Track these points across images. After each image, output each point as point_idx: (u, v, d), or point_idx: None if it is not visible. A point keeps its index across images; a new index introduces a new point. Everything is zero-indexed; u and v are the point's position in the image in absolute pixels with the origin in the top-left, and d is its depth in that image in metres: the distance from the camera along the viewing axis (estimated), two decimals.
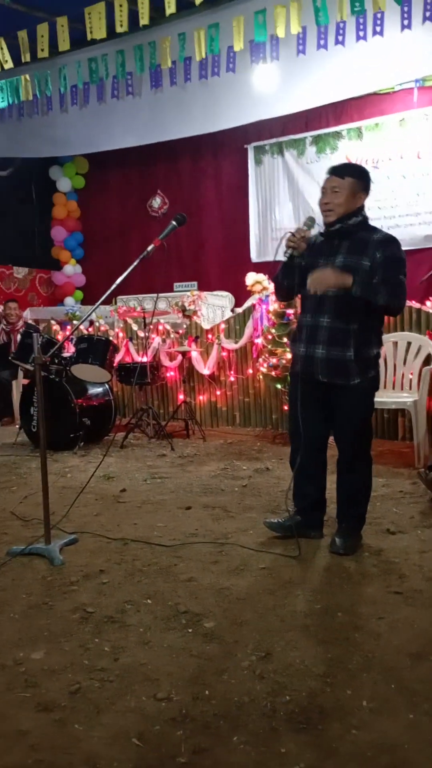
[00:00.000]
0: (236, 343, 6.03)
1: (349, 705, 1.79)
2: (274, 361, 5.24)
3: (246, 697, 1.84)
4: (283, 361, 5.12)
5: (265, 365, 5.35)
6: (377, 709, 1.78)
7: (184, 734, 1.68)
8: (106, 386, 5.64)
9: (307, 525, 3.05)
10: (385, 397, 4.55)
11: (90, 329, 6.71)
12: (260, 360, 5.62)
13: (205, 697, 1.84)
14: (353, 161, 7.16)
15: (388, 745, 1.63)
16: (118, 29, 5.59)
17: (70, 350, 5.73)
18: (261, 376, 5.63)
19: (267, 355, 5.37)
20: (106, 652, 2.10)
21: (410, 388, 4.84)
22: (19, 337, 6.27)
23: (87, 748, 1.64)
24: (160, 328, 6.46)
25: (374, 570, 2.71)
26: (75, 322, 6.89)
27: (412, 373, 4.86)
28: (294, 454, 3.04)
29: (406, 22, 5.17)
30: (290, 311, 5.20)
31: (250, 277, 6.64)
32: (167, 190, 9.18)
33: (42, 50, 6.05)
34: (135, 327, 6.56)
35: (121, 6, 5.57)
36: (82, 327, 6.46)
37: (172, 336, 6.42)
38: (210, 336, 6.19)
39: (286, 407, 3.53)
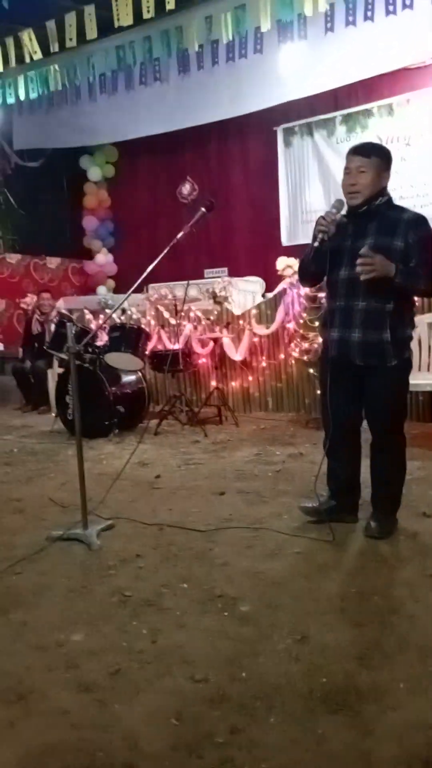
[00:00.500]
0: (268, 328, 6.01)
1: (385, 686, 1.80)
2: (306, 345, 5.21)
3: (282, 678, 1.86)
4: (315, 346, 5.09)
5: (297, 350, 5.33)
6: (413, 689, 1.78)
7: (221, 714, 1.71)
8: (139, 374, 5.69)
9: (341, 509, 3.05)
10: (420, 380, 4.49)
11: (122, 318, 6.76)
12: (292, 345, 5.59)
13: (242, 678, 1.87)
14: (384, 139, 7.00)
15: (424, 724, 1.64)
16: (145, 15, 5.57)
17: (103, 339, 5.79)
18: (293, 361, 5.61)
19: (299, 340, 5.34)
20: (144, 634, 2.14)
21: None
22: (53, 327, 6.35)
23: (127, 726, 1.68)
24: (192, 315, 6.47)
25: (410, 553, 2.70)
26: (108, 311, 6.94)
27: None
28: (327, 438, 3.03)
29: None
30: (322, 295, 5.15)
31: (281, 262, 6.59)
32: (196, 176, 9.14)
33: (70, 39, 6.07)
34: (166, 314, 6.59)
35: None
36: (114, 315, 6.51)
37: (203, 322, 6.43)
38: (241, 322, 6.18)
39: (318, 392, 3.51)
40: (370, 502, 3.02)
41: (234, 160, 8.77)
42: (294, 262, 6.38)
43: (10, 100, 7.28)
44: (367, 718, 1.68)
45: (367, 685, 1.81)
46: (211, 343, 6.21)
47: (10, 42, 6.40)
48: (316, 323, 5.13)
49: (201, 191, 9.00)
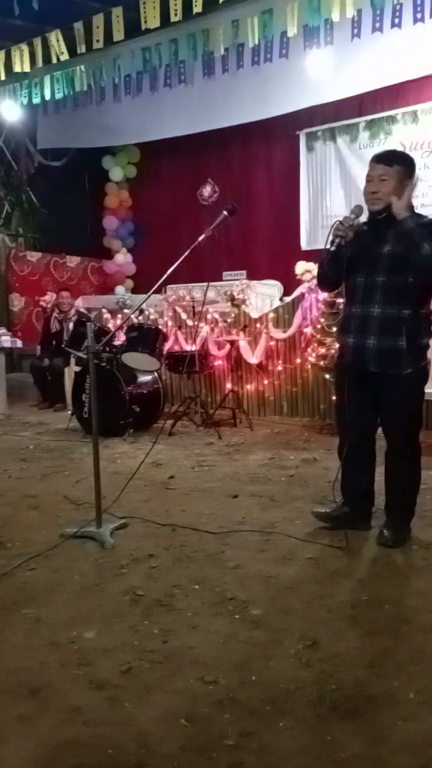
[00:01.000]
0: (285, 332, 6.01)
1: (397, 696, 1.80)
2: (323, 350, 5.21)
3: (292, 684, 1.86)
4: (332, 351, 5.08)
5: (314, 355, 5.32)
6: (427, 701, 1.77)
7: (232, 717, 1.72)
8: (155, 374, 5.71)
9: (355, 516, 3.04)
10: None
11: (140, 318, 6.79)
12: (309, 349, 5.58)
13: (252, 682, 1.88)
14: (408, 146, 6.99)
15: None
16: (173, 18, 5.59)
17: (120, 339, 5.83)
18: (309, 366, 5.60)
19: (316, 345, 5.33)
20: (156, 634, 2.15)
21: None
22: (71, 325, 6.40)
23: (138, 725, 1.70)
24: (209, 317, 6.49)
25: (423, 563, 2.69)
26: (126, 311, 6.98)
27: None
28: (342, 444, 3.03)
29: None
30: (341, 300, 5.14)
31: (300, 266, 6.58)
32: (217, 179, 9.16)
33: (97, 41, 6.11)
34: (184, 316, 6.61)
35: None
36: (132, 315, 6.55)
37: (220, 325, 6.44)
38: (258, 325, 6.18)
39: (334, 397, 3.51)
40: (384, 510, 3.01)
41: (256, 163, 8.78)
42: (313, 267, 6.36)
43: (36, 100, 7.34)
44: (378, 726, 1.68)
45: (379, 694, 1.81)
46: (228, 346, 6.22)
47: (37, 42, 6.45)
48: (334, 329, 5.12)
49: (222, 193, 9.03)
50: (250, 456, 4.66)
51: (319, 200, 8.17)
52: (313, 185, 8.22)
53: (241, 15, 5.95)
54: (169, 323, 6.72)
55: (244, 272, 8.20)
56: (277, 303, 7.01)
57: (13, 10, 5.88)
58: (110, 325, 6.72)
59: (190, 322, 6.50)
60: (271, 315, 6.19)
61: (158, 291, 3.84)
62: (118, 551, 2.86)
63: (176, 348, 6.41)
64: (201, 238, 3.19)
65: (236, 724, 1.69)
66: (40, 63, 6.61)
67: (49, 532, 3.10)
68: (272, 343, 6.12)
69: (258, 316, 6.29)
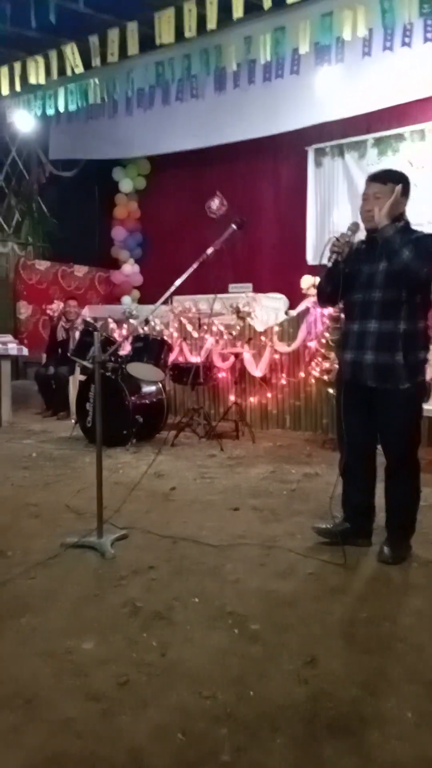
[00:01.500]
0: (289, 346, 6.03)
1: (391, 716, 1.79)
2: (326, 365, 5.22)
3: (288, 700, 1.86)
4: (336, 366, 5.09)
5: (318, 369, 5.33)
6: (420, 722, 1.77)
7: (227, 733, 1.72)
8: (159, 385, 5.73)
9: (355, 532, 3.04)
10: None
11: (146, 329, 6.82)
12: (312, 364, 5.59)
13: (249, 697, 1.87)
14: (415, 164, 7.03)
15: (429, 758, 1.62)
16: (187, 34, 5.66)
17: (125, 349, 5.85)
18: (313, 380, 5.61)
19: (320, 359, 5.35)
20: (154, 647, 2.15)
21: None
22: (77, 334, 6.43)
23: (131, 739, 1.69)
24: (214, 329, 6.51)
25: (422, 581, 2.68)
26: (132, 321, 7.01)
27: None
28: (343, 460, 3.03)
29: None
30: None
31: (306, 280, 6.61)
32: (225, 192, 9.21)
33: (112, 54, 6.19)
34: (189, 327, 6.63)
35: (190, 11, 5.64)
36: (138, 326, 6.58)
37: (225, 337, 6.46)
38: (263, 338, 6.20)
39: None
40: (385, 527, 3.01)
41: (264, 177, 8.84)
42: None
43: (50, 111, 7.43)
44: (370, 745, 1.67)
45: (373, 713, 1.81)
46: (232, 358, 6.24)
47: (53, 54, 6.54)
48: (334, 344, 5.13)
49: (229, 207, 9.08)
50: (251, 469, 4.66)
51: (326, 215, 8.21)
52: (320, 200, 8.27)
53: (254, 32, 6.02)
54: (175, 334, 6.75)
55: (250, 285, 8.23)
56: (282, 316, 7.03)
57: (30, 23, 5.96)
58: (116, 335, 6.75)
59: (195, 334, 6.53)
60: (276, 328, 6.21)
61: (164, 302, 3.86)
62: (118, 562, 2.86)
63: (181, 359, 6.43)
64: (209, 251, 3.21)
65: (231, 740, 1.69)
66: (55, 75, 6.70)
67: (49, 541, 3.10)
68: (276, 356, 6.14)
69: (263, 329, 6.31)
